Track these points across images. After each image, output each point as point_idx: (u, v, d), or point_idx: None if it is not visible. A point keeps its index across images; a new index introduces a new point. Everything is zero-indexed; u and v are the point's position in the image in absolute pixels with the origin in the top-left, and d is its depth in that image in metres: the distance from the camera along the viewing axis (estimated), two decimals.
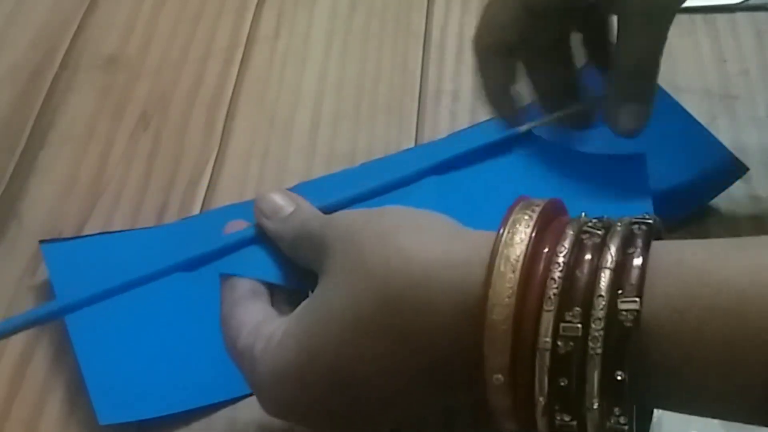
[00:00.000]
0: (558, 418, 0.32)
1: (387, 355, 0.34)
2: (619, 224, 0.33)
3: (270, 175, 0.56)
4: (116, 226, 0.53)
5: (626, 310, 0.30)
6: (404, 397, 0.35)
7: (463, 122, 0.57)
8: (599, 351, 0.30)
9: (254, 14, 0.66)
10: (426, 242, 0.34)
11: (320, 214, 0.41)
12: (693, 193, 0.52)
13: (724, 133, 0.54)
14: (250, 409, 0.45)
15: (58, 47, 0.64)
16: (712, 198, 0.51)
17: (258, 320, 0.39)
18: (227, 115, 0.59)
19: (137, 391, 0.45)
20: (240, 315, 0.39)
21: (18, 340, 0.48)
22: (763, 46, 0.60)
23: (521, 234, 0.33)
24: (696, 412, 0.33)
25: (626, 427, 0.31)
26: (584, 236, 0.33)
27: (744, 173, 0.51)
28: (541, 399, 0.31)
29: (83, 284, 0.49)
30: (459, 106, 0.59)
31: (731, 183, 0.51)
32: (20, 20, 0.66)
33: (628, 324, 0.30)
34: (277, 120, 0.59)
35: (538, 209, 0.34)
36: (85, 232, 0.53)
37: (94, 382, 0.45)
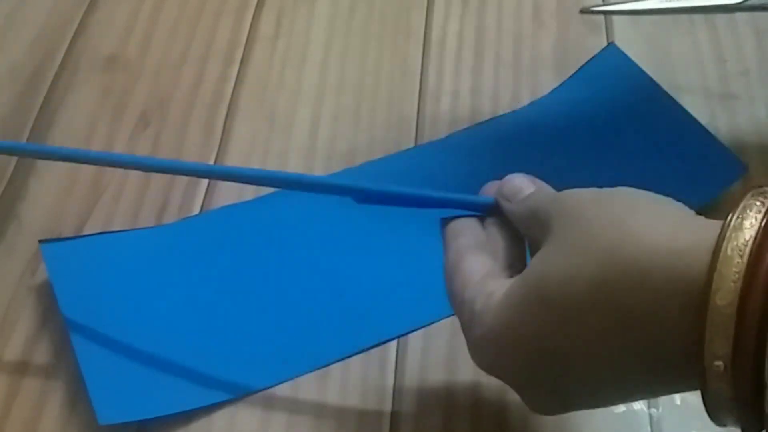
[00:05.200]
0: None
1: (597, 332, 0.34)
2: None
3: None
4: (116, 226, 0.53)
5: None
6: (610, 377, 0.35)
7: (463, 122, 0.57)
8: None
9: (254, 14, 0.66)
10: (655, 227, 0.34)
11: (553, 193, 0.41)
12: (693, 193, 0.52)
13: (724, 133, 0.54)
14: (250, 409, 0.45)
15: (58, 47, 0.64)
16: (712, 198, 0.51)
17: (483, 274, 0.39)
18: (227, 115, 0.59)
19: (137, 392, 0.45)
20: (467, 266, 0.40)
21: (18, 340, 0.48)
22: (763, 46, 0.60)
23: (751, 219, 0.32)
24: None
25: None
26: None
27: (744, 173, 0.51)
28: None
29: (83, 284, 0.49)
30: (459, 106, 0.59)
31: (731, 183, 0.51)
32: (20, 20, 0.66)
33: None
34: (277, 120, 0.59)
35: None
36: (85, 232, 0.52)
37: (94, 382, 0.45)
